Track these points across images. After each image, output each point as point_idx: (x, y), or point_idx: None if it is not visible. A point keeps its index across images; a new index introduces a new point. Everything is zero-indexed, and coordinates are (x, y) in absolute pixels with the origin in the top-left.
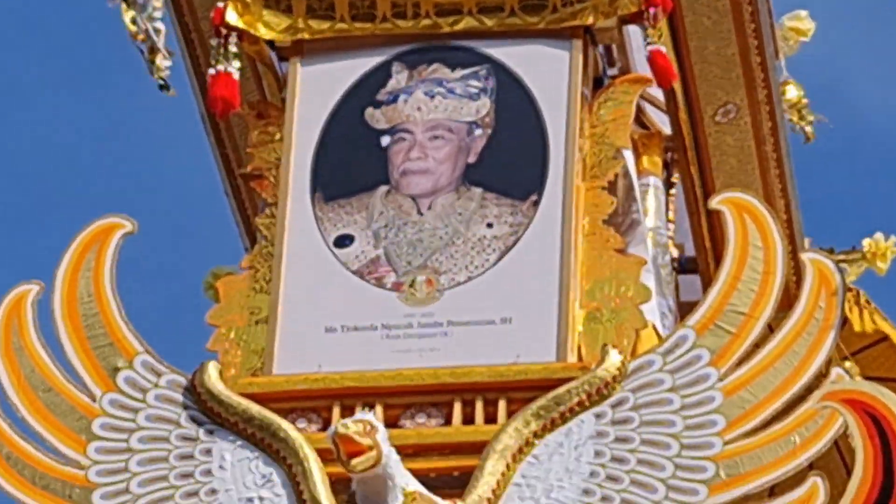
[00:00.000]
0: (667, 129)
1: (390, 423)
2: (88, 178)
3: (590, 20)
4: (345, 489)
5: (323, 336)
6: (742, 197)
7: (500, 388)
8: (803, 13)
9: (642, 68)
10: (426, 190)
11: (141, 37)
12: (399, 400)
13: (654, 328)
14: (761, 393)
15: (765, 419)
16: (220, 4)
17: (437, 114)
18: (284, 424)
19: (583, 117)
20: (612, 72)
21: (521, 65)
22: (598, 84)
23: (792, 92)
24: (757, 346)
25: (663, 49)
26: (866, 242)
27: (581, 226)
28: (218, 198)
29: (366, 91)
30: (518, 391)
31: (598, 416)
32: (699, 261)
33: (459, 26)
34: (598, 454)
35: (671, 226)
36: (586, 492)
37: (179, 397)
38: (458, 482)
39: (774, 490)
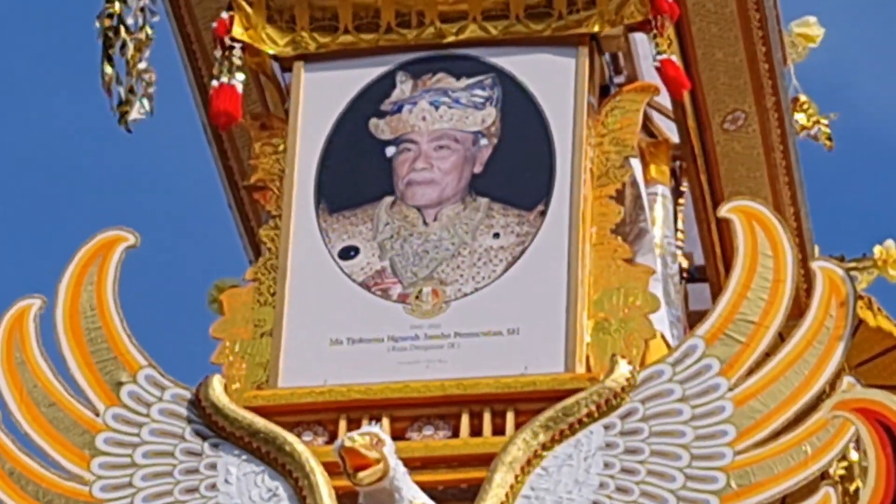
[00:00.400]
0: (674, 138)
1: (397, 436)
2: (91, 191)
3: (596, 28)
4: (352, 503)
5: (328, 349)
6: (751, 205)
7: (508, 399)
8: (812, 19)
9: (649, 76)
10: (432, 200)
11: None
12: (406, 412)
13: (663, 338)
14: (772, 403)
15: (776, 429)
16: (224, 16)
17: (442, 123)
18: (290, 438)
19: (589, 126)
20: (618, 80)
21: (527, 73)
22: (604, 92)
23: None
24: (767, 354)
25: (674, 59)
26: (877, 250)
27: (589, 235)
28: (221, 210)
29: (370, 101)
30: (526, 402)
31: (607, 427)
32: (708, 270)
33: (464, 34)
34: (607, 465)
35: (680, 234)
36: (596, 503)
37: (184, 411)
38: (467, 495)
39: (786, 500)
